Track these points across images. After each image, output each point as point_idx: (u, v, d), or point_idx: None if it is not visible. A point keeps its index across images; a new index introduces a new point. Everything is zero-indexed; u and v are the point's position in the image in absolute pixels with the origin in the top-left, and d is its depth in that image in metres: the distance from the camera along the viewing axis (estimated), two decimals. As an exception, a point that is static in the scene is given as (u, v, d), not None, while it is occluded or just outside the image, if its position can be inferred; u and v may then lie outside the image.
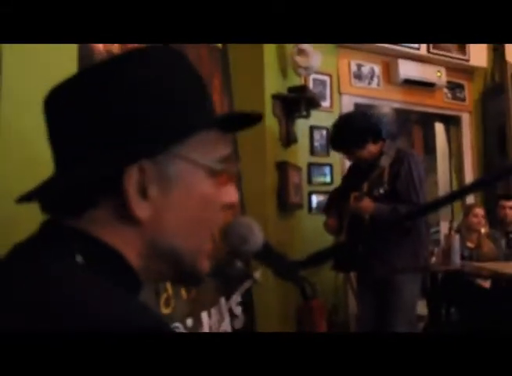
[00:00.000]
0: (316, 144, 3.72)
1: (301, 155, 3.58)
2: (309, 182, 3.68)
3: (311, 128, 3.67)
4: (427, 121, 5.09)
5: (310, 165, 3.70)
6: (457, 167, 4.75)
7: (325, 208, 3.06)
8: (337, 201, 2.86)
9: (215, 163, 0.58)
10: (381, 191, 2.45)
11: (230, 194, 0.62)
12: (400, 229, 2.49)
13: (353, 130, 2.61)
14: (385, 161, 2.54)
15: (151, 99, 0.53)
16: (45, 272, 0.49)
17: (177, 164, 0.55)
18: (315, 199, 3.69)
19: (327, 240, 2.91)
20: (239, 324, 2.62)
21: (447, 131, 4.80)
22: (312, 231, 3.38)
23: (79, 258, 0.51)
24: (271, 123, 3.06)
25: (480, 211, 3.76)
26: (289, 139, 3.22)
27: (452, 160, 4.81)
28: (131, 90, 0.53)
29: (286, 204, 3.17)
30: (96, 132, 0.53)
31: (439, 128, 4.87)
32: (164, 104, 0.54)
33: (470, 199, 4.48)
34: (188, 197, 0.56)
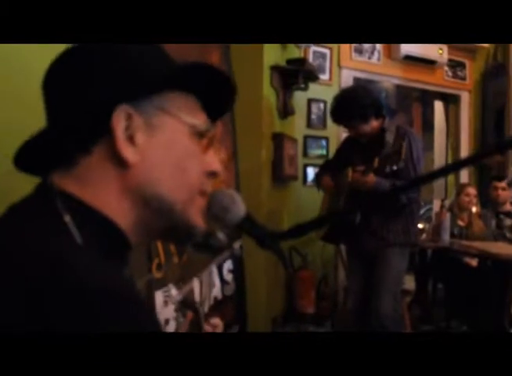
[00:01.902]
0: (313, 117, 3.71)
1: (297, 127, 3.59)
2: (305, 154, 3.69)
3: (309, 101, 3.66)
4: (426, 98, 5.09)
5: (306, 138, 3.70)
6: (454, 145, 4.77)
7: (316, 178, 3.05)
8: (330, 172, 2.86)
9: (199, 123, 0.63)
10: (394, 168, 2.41)
11: (213, 162, 0.65)
12: (395, 204, 2.54)
13: (358, 103, 2.59)
14: (390, 138, 2.54)
15: (125, 63, 0.61)
16: (32, 230, 0.53)
17: (161, 116, 0.60)
18: (310, 171, 3.71)
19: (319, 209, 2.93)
20: (229, 291, 2.68)
21: (446, 109, 4.80)
22: (306, 202, 3.41)
23: (67, 218, 0.54)
24: (268, 94, 3.06)
25: (472, 190, 3.79)
26: (286, 111, 3.23)
27: (450, 138, 4.83)
28: (109, 57, 0.62)
29: (280, 176, 3.20)
30: (83, 91, 0.58)
31: (438, 105, 4.86)
32: (135, 66, 0.61)
33: (464, 178, 4.52)
34: (172, 146, 0.60)
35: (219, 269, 2.55)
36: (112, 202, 0.58)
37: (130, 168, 0.58)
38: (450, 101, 4.71)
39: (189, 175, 0.62)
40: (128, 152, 0.57)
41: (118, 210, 0.58)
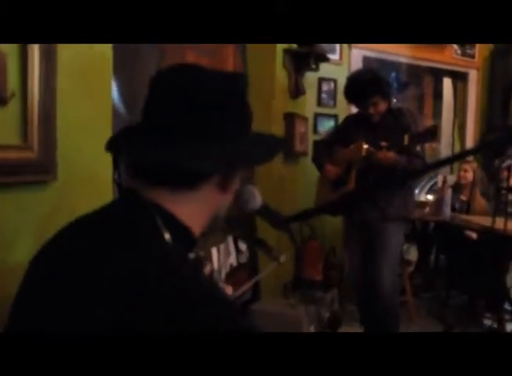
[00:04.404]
0: (324, 95, 3.87)
1: (308, 106, 3.76)
2: (315, 131, 3.87)
3: (320, 80, 3.82)
4: (437, 72, 5.18)
5: (316, 116, 3.88)
6: (460, 122, 4.90)
7: (318, 157, 3.08)
8: (331, 149, 2.94)
9: None
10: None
11: None
12: (405, 180, 2.61)
13: (382, 80, 2.65)
14: (399, 118, 2.67)
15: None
16: (146, 247, 0.66)
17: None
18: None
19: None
20: (244, 259, 2.94)
21: (454, 85, 4.91)
22: (315, 177, 3.62)
23: (167, 236, 0.69)
24: (281, 76, 3.23)
25: (467, 166, 3.95)
26: (297, 92, 3.40)
27: (457, 114, 4.96)
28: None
29: (292, 152, 3.40)
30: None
31: (447, 82, 4.97)
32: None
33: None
34: (238, 179, 0.80)
35: (235, 240, 2.79)
36: (197, 218, 0.76)
37: (224, 194, 0.77)
38: (458, 78, 4.82)
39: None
40: (231, 184, 0.77)
41: (198, 223, 0.77)
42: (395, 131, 2.64)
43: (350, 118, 3.03)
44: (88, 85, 1.30)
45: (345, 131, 2.92)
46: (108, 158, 1.35)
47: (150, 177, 0.71)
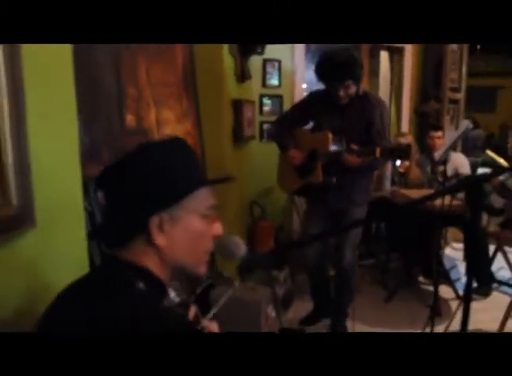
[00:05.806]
0: (269, 76, 3.92)
1: (254, 87, 3.80)
2: (261, 112, 3.94)
3: (265, 61, 3.86)
4: (373, 48, 5.30)
5: (262, 97, 3.93)
6: (397, 94, 5.11)
7: (279, 136, 2.96)
8: (292, 128, 2.91)
9: (206, 210, 0.91)
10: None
11: (217, 229, 0.95)
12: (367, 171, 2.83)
13: (357, 63, 2.64)
14: (365, 104, 2.71)
15: (161, 177, 0.87)
16: (121, 295, 0.82)
17: (181, 213, 0.88)
18: (266, 128, 3.97)
19: (275, 163, 3.07)
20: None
21: (391, 59, 5.07)
22: (263, 157, 3.72)
23: (140, 284, 0.85)
24: (227, 62, 3.23)
25: (402, 139, 4.15)
26: (244, 76, 3.42)
27: (393, 86, 5.15)
28: (151, 173, 0.87)
29: (240, 138, 3.46)
30: (134, 196, 0.86)
31: (384, 55, 5.12)
32: (170, 179, 0.87)
33: (404, 126, 4.91)
34: (189, 232, 0.90)
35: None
36: (159, 269, 0.89)
37: (161, 248, 0.87)
38: (395, 52, 4.98)
39: (199, 249, 0.92)
40: (158, 238, 0.86)
41: (162, 272, 0.90)
42: (360, 120, 2.71)
43: (314, 95, 2.94)
44: (54, 125, 1.30)
45: (308, 108, 2.89)
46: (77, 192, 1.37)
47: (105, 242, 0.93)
